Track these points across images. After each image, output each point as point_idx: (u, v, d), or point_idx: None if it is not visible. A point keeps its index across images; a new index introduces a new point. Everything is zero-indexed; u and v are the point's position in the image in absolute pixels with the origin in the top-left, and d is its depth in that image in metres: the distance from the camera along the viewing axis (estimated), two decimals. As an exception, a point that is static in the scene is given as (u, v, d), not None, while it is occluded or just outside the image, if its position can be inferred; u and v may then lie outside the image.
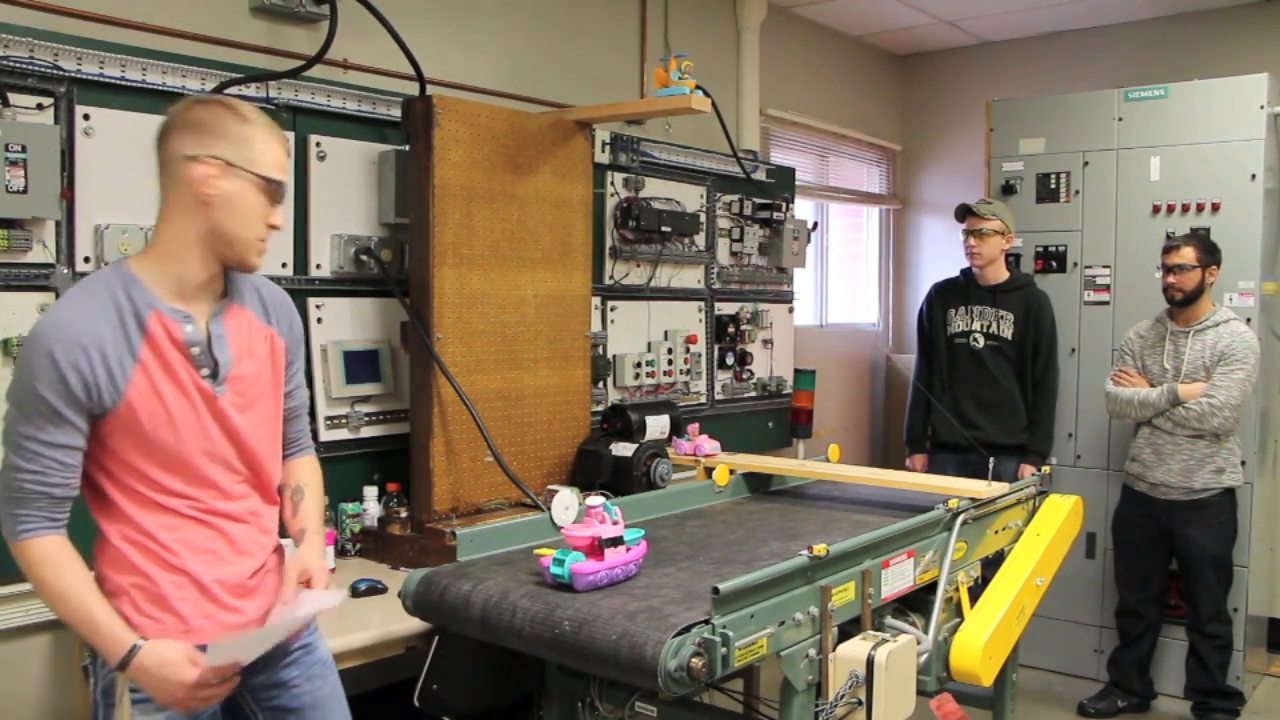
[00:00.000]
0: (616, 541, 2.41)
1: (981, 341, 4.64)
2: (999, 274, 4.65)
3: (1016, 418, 4.58)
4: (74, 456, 1.87)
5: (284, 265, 3.21)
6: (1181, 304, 4.24)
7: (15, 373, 1.88)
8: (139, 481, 1.93)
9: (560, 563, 2.36)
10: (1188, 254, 4.18)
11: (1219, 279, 4.31)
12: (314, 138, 3.27)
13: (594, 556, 2.37)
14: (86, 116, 2.77)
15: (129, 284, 1.90)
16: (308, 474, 2.27)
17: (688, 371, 4.56)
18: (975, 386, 4.63)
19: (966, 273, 4.75)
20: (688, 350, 4.55)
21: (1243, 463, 4.44)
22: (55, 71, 2.71)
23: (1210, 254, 4.22)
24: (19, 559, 1.86)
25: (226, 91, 2.99)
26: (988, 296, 4.65)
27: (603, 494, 2.55)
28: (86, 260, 2.78)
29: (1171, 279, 4.22)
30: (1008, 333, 4.60)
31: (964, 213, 4.62)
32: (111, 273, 1.92)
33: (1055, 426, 4.67)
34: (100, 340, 1.84)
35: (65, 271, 2.75)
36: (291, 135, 3.21)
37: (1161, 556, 4.43)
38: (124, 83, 2.84)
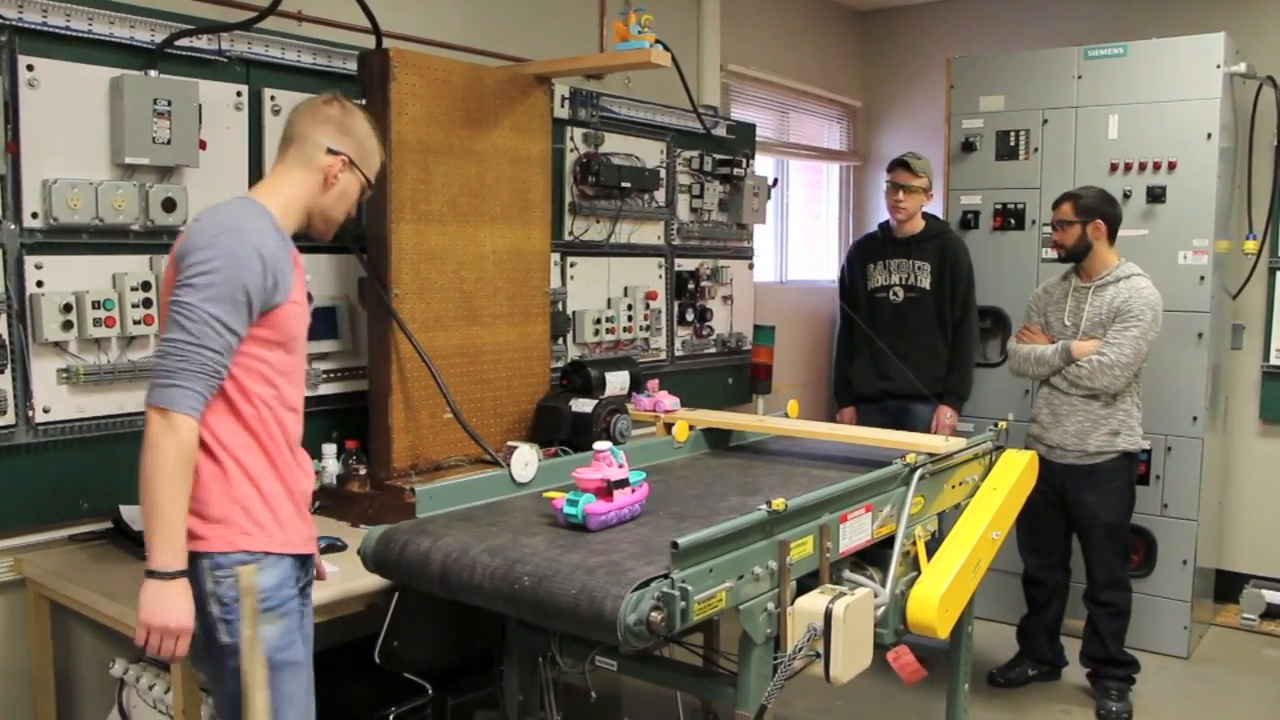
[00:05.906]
0: (623, 483, 2.58)
1: (901, 295, 4.71)
2: (916, 225, 4.73)
3: (935, 367, 4.65)
4: (234, 349, 2.08)
5: (238, 221, 3.15)
6: (1065, 259, 4.20)
7: (203, 257, 2.04)
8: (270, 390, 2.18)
9: (574, 504, 2.51)
10: (1065, 210, 4.12)
11: (1173, 245, 4.28)
12: (268, 91, 3.21)
13: (604, 498, 2.53)
14: (30, 68, 2.70)
15: (272, 217, 2.21)
16: None
17: (647, 328, 4.55)
18: (894, 340, 4.65)
19: (884, 226, 4.83)
20: (648, 306, 4.55)
21: (1201, 430, 4.45)
22: (-3, 20, 2.63)
23: (1088, 211, 4.09)
24: (169, 430, 1.98)
25: (178, 43, 2.94)
26: (903, 249, 4.73)
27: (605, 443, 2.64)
28: (34, 216, 2.72)
29: (1055, 235, 4.19)
30: (925, 283, 4.68)
31: (898, 165, 4.65)
32: (256, 205, 2.22)
33: (974, 370, 4.75)
34: (275, 248, 2.14)
35: (12, 227, 2.69)
36: (245, 89, 3.15)
37: (1061, 522, 4.32)
38: (69, 33, 2.76)
